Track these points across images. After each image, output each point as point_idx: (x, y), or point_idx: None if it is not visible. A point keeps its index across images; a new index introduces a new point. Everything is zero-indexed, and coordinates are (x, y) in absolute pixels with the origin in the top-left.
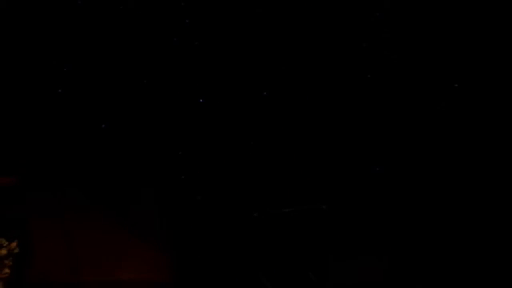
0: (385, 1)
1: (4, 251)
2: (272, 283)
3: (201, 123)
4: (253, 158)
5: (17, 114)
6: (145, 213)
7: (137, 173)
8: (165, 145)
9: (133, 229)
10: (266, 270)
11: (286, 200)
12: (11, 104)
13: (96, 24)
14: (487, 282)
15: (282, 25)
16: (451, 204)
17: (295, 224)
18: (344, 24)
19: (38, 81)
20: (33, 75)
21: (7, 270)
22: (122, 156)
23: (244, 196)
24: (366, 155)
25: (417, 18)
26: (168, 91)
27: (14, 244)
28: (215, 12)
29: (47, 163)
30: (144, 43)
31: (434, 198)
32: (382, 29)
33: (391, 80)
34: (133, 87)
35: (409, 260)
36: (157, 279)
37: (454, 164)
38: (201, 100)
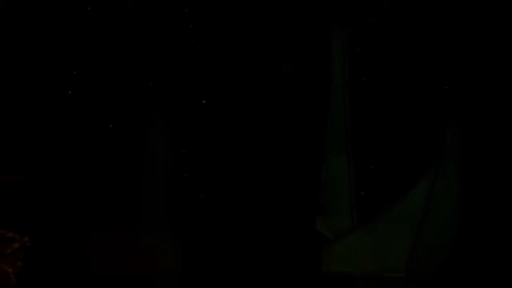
0: (379, 7)
1: (16, 245)
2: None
3: (204, 124)
4: (252, 157)
5: (28, 114)
6: (152, 210)
7: (143, 171)
8: (169, 144)
9: (141, 226)
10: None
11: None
12: (22, 105)
13: (104, 29)
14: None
15: (283, 28)
16: None
17: None
18: (340, 29)
19: (49, 83)
20: (44, 78)
21: (19, 264)
22: (129, 154)
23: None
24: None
25: (410, 24)
26: (172, 93)
27: (26, 238)
28: (217, 17)
29: (57, 160)
30: (150, 47)
31: None
32: (376, 34)
33: (385, 82)
34: (139, 89)
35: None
36: (163, 272)
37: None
38: (203, 101)
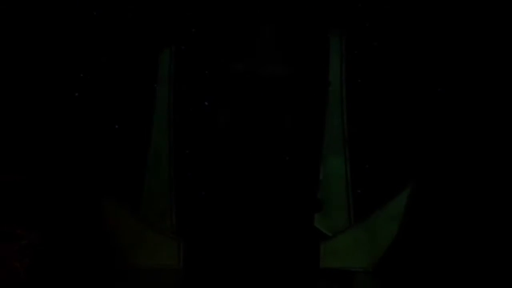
0: (376, 12)
1: (24, 241)
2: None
3: (206, 124)
4: (252, 157)
5: (38, 116)
6: (158, 208)
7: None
8: (173, 145)
9: (147, 222)
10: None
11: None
12: (31, 106)
13: (110, 34)
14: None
15: (283, 33)
16: None
17: None
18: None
19: (57, 86)
20: (52, 81)
21: (27, 260)
22: (133, 153)
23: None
24: None
25: (404, 29)
26: (175, 95)
27: (34, 235)
28: (218, 21)
29: (63, 160)
30: (154, 51)
31: None
32: (372, 38)
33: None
34: (144, 91)
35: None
36: (168, 265)
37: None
38: (206, 103)
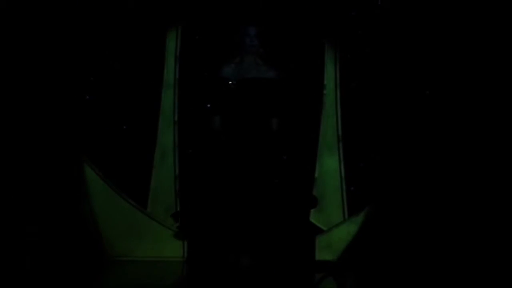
0: (368, 20)
1: (28, 238)
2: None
3: (208, 126)
4: (251, 156)
5: (49, 116)
6: (163, 203)
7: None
8: (175, 145)
9: (151, 214)
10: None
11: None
12: (45, 108)
13: (118, 40)
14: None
15: (282, 37)
16: None
17: None
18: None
19: (69, 89)
20: (65, 84)
21: (30, 257)
22: (140, 153)
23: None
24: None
25: (394, 35)
26: (178, 97)
27: (36, 231)
28: (218, 27)
29: (70, 160)
30: (159, 56)
31: None
32: (364, 44)
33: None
34: (150, 95)
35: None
36: (170, 256)
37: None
38: (208, 106)
